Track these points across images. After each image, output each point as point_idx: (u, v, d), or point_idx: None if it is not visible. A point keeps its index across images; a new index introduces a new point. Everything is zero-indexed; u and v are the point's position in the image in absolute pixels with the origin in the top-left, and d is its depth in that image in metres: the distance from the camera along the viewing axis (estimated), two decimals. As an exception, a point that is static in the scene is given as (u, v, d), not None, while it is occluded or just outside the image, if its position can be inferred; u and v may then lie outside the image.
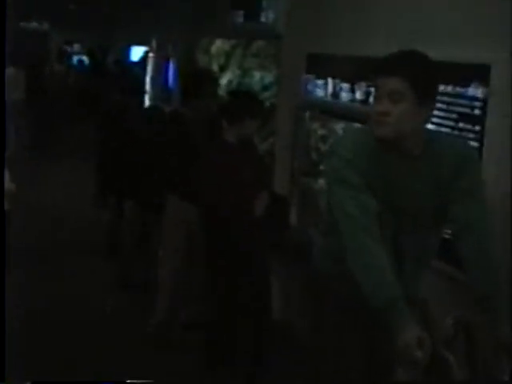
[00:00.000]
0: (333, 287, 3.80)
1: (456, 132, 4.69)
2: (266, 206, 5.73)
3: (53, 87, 18.00)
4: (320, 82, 6.85)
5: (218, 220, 5.59)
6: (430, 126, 4.79)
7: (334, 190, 3.50)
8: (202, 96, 6.53)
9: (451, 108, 4.74)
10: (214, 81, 7.12)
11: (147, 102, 13.50)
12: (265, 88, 8.64)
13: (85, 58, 19.73)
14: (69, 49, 22.08)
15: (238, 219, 5.52)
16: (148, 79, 14.06)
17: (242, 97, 6.11)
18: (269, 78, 8.64)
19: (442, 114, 4.81)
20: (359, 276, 3.29)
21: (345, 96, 6.38)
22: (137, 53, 19.51)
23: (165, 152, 6.59)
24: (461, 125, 4.65)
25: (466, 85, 4.58)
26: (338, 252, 3.49)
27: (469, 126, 4.58)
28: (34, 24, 22.08)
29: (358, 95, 6.16)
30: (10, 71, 14.41)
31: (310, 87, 7.06)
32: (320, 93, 6.91)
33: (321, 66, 6.86)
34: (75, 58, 20.21)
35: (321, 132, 7.12)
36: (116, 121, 8.58)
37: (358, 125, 6.39)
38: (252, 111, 5.83)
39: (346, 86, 6.36)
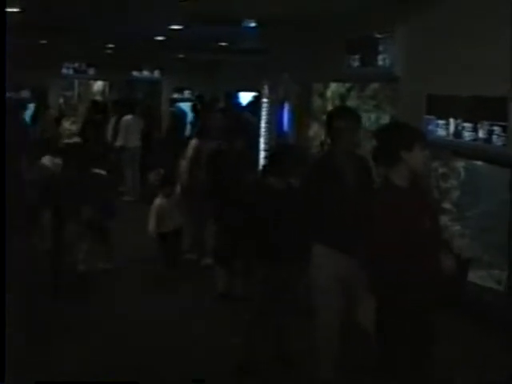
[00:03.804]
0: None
1: None
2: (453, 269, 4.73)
3: (164, 134, 18.46)
4: (441, 121, 7.03)
5: (388, 278, 4.63)
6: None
7: None
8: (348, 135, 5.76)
9: None
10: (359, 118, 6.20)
11: (263, 146, 13.76)
12: (382, 129, 8.84)
13: (196, 104, 20.16)
14: (179, 96, 22.68)
15: (414, 278, 4.59)
16: (262, 124, 14.31)
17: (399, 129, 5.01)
18: (385, 119, 8.85)
19: None
20: None
21: (467, 135, 6.52)
22: (245, 98, 19.97)
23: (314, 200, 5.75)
24: None
25: None
26: None
27: None
28: (145, 72, 22.86)
29: (481, 134, 6.30)
30: (127, 119, 14.93)
31: (430, 127, 7.23)
32: (441, 132, 7.08)
33: (441, 106, 7.03)
34: (186, 105, 20.70)
35: (442, 170, 7.27)
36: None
37: (480, 163, 6.56)
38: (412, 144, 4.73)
39: (468, 125, 6.51)
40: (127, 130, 14.86)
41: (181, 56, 21.00)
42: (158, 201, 9.07)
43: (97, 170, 9.45)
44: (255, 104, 16.59)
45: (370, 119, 9.20)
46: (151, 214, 8.99)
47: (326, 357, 5.82)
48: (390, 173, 4.74)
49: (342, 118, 5.86)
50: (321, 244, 5.72)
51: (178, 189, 9.73)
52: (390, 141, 4.74)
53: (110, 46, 18.52)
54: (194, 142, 9.97)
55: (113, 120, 15.75)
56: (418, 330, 4.65)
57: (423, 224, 4.65)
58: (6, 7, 5.09)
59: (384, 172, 4.80)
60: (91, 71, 21.92)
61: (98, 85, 22.92)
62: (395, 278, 4.53)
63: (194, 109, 17.72)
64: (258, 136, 14.03)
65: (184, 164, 9.94)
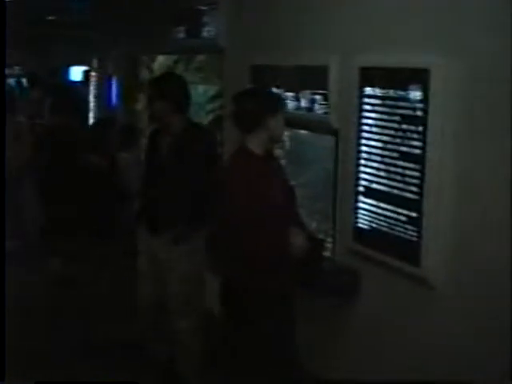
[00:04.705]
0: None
1: (400, 133, 4.90)
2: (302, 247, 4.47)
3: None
4: (265, 91, 7.03)
5: (241, 259, 4.35)
6: (374, 128, 5.05)
7: None
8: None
9: (394, 111, 4.96)
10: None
11: (92, 120, 13.59)
12: (210, 100, 8.83)
13: (24, 81, 19.62)
14: (7, 71, 21.92)
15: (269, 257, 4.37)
16: (91, 98, 14.13)
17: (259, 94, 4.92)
18: (213, 90, 8.83)
19: (385, 116, 5.04)
20: None
21: (290, 104, 6.55)
22: (77, 72, 19.58)
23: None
24: (404, 126, 4.87)
25: (407, 88, 4.80)
26: None
27: (412, 128, 4.80)
28: (-31, 49, 21.90)
29: (303, 103, 6.35)
30: None
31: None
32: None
33: (265, 76, 7.03)
34: (14, 81, 20.10)
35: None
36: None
37: (303, 131, 6.62)
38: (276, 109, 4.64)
39: (290, 94, 6.54)
40: None
41: (8, 30, 20.31)
42: None
43: None
44: (85, 79, 16.36)
45: (198, 91, 9.16)
46: None
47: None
48: (248, 139, 4.54)
49: (153, 87, 5.78)
50: (141, 226, 5.63)
51: None
52: (254, 104, 4.53)
53: None
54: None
55: None
56: (269, 312, 4.44)
57: (277, 198, 4.48)
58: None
59: (241, 138, 4.60)
60: None
61: None
62: (242, 257, 4.32)
63: (19, 85, 17.24)
64: (88, 111, 13.82)
65: None
